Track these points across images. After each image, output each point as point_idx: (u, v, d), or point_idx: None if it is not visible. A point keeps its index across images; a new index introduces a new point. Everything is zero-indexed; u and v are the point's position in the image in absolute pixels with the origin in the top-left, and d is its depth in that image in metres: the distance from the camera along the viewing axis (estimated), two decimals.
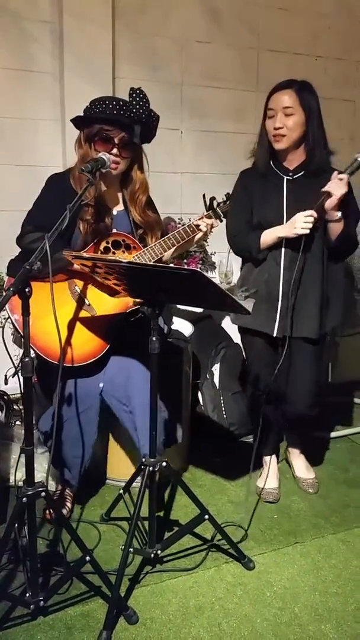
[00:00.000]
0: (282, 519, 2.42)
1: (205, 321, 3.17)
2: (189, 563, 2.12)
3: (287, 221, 2.25)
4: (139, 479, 2.00)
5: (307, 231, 2.15)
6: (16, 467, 2.22)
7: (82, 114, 2.17)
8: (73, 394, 2.15)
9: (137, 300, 2.15)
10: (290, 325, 2.29)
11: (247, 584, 2.03)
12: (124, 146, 2.13)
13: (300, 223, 2.16)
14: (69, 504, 2.35)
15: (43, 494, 1.73)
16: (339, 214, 2.18)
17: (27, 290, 1.59)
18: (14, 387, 2.49)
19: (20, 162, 3.05)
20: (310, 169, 2.26)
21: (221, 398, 2.94)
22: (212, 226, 2.29)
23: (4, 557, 1.97)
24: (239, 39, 3.41)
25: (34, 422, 1.76)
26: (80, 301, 2.16)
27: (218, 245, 3.24)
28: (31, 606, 1.77)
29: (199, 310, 3.09)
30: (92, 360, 2.15)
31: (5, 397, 2.72)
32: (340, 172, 2.18)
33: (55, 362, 2.06)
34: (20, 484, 1.78)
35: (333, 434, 3.18)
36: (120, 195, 2.31)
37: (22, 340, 1.65)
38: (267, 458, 2.64)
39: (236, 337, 3.08)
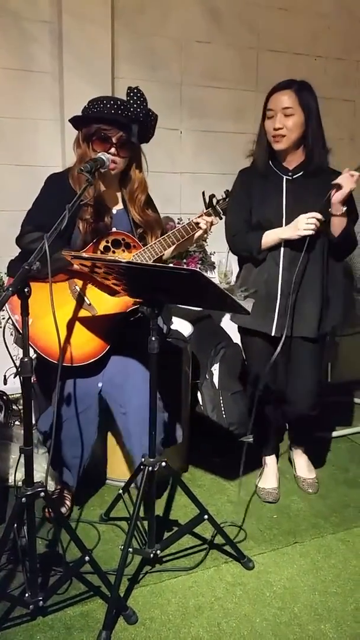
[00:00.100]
0: (281, 518, 2.42)
1: (205, 321, 3.17)
2: (189, 563, 2.12)
3: (286, 221, 2.25)
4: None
5: (311, 232, 2.15)
6: (16, 468, 2.22)
7: (81, 114, 2.17)
8: (72, 393, 2.15)
9: (137, 300, 2.15)
10: (289, 325, 2.29)
11: (247, 584, 2.03)
12: (122, 145, 2.13)
13: (303, 224, 2.16)
14: (68, 503, 2.35)
15: (42, 494, 1.73)
16: (344, 208, 2.19)
17: (26, 290, 1.59)
18: (13, 387, 2.49)
19: (20, 162, 3.05)
20: (310, 169, 2.26)
21: (220, 398, 2.94)
22: (211, 224, 2.29)
23: (3, 557, 1.97)
24: (238, 39, 3.41)
25: (33, 422, 1.76)
26: (81, 300, 2.16)
27: (217, 245, 3.24)
28: (30, 606, 1.77)
29: (199, 310, 3.09)
30: (92, 361, 2.15)
31: (4, 397, 2.72)
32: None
33: (55, 362, 2.06)
34: (20, 484, 1.78)
35: (333, 434, 3.18)
36: (119, 194, 2.31)
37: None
38: (266, 458, 2.64)
39: (236, 337, 3.08)
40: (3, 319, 2.15)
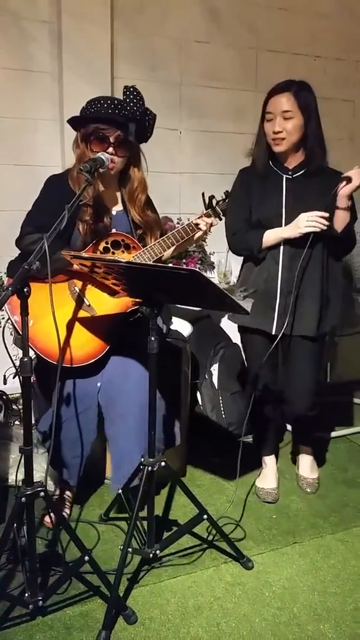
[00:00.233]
0: (280, 518, 2.42)
1: (204, 321, 3.17)
2: (188, 563, 2.12)
3: (285, 219, 2.26)
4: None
5: (313, 229, 2.16)
6: (17, 468, 2.22)
7: (79, 114, 2.17)
8: (72, 394, 2.15)
9: (137, 300, 2.15)
10: (289, 324, 2.29)
11: (246, 584, 2.04)
12: (119, 145, 2.13)
13: (304, 222, 2.17)
14: (67, 511, 2.35)
15: (42, 494, 1.73)
16: (350, 202, 2.19)
17: (25, 290, 1.59)
18: (13, 387, 2.49)
19: (20, 162, 3.04)
20: (310, 169, 2.27)
21: (220, 398, 2.94)
22: (211, 225, 2.29)
23: (3, 557, 1.97)
24: (238, 39, 3.41)
25: (32, 422, 1.76)
26: (80, 301, 2.16)
27: (217, 245, 3.25)
28: (30, 606, 1.77)
29: (198, 310, 3.09)
30: (92, 361, 2.15)
31: (4, 397, 2.72)
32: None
33: (56, 363, 2.06)
34: (20, 483, 1.78)
35: (332, 434, 3.18)
36: (119, 195, 2.31)
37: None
38: (266, 458, 2.64)
39: (235, 337, 3.08)
40: (3, 319, 2.15)
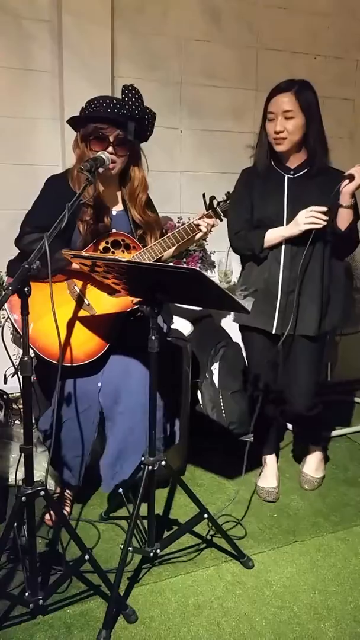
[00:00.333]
0: (281, 517, 2.42)
1: (205, 320, 3.17)
2: (188, 562, 2.12)
3: (287, 219, 2.26)
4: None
5: (312, 225, 2.15)
6: (17, 467, 2.23)
7: (78, 114, 2.17)
8: (72, 393, 2.15)
9: (136, 300, 2.15)
10: (291, 323, 2.29)
11: (246, 583, 2.04)
12: (119, 144, 2.13)
13: (303, 219, 2.17)
14: (68, 509, 2.35)
15: (42, 493, 1.73)
16: (353, 200, 2.19)
17: (26, 289, 1.59)
18: (13, 386, 2.49)
19: (20, 161, 3.04)
20: (312, 168, 2.27)
21: (220, 397, 2.94)
22: (212, 225, 2.29)
23: (3, 556, 1.97)
24: (238, 38, 3.41)
25: (33, 421, 1.76)
26: (80, 301, 2.16)
27: (217, 244, 3.24)
28: (30, 605, 1.77)
29: (199, 309, 3.09)
30: (91, 360, 2.15)
31: (4, 396, 2.72)
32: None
33: (54, 362, 2.06)
34: (20, 483, 1.78)
35: (333, 433, 3.18)
36: (119, 194, 2.31)
37: (21, 339, 1.65)
38: (266, 457, 2.64)
39: (236, 337, 3.08)
40: (3, 317, 2.15)
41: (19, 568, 1.96)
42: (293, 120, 2.19)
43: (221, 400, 2.93)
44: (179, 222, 3.21)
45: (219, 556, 2.16)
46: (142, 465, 1.96)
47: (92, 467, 2.23)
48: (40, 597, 1.77)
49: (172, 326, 2.67)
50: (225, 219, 2.37)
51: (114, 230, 2.22)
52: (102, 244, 2.19)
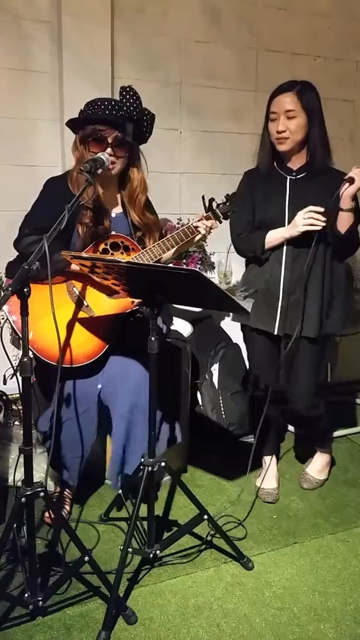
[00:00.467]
0: (281, 519, 2.42)
1: (205, 321, 3.17)
2: (188, 563, 2.12)
3: (288, 220, 2.26)
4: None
5: (311, 227, 2.15)
6: (15, 468, 2.22)
7: (78, 116, 2.17)
8: (72, 394, 2.15)
9: (137, 300, 2.15)
10: (295, 325, 2.28)
11: (246, 584, 2.03)
12: (118, 145, 2.13)
13: (301, 220, 2.16)
14: (67, 507, 2.35)
15: (42, 494, 1.73)
16: (353, 203, 2.19)
17: (25, 290, 1.59)
18: (13, 387, 2.49)
19: (20, 162, 3.04)
20: (313, 169, 2.27)
21: (220, 398, 2.94)
22: (211, 228, 2.29)
23: (3, 557, 1.97)
24: (237, 39, 3.41)
25: (32, 422, 1.76)
26: (79, 302, 2.16)
27: (217, 245, 3.25)
28: (30, 606, 1.77)
29: (198, 310, 3.09)
30: (91, 361, 2.15)
31: (4, 397, 2.72)
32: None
33: (53, 364, 2.06)
34: (19, 484, 1.78)
35: (333, 434, 3.17)
36: (118, 197, 2.31)
37: (20, 340, 1.65)
38: (266, 458, 2.64)
39: (236, 337, 3.08)
40: (3, 319, 2.15)
41: (19, 569, 1.96)
42: (295, 120, 2.19)
43: (221, 401, 2.93)
44: (178, 224, 3.21)
45: (219, 557, 2.16)
46: (141, 466, 1.96)
47: (92, 468, 2.24)
48: (40, 599, 1.77)
49: (172, 327, 2.67)
50: (224, 221, 2.37)
51: (113, 232, 2.22)
52: (102, 246, 2.19)
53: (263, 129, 2.31)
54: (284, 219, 2.27)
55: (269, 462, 2.63)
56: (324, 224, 2.15)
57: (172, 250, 2.27)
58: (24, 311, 1.61)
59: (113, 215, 2.27)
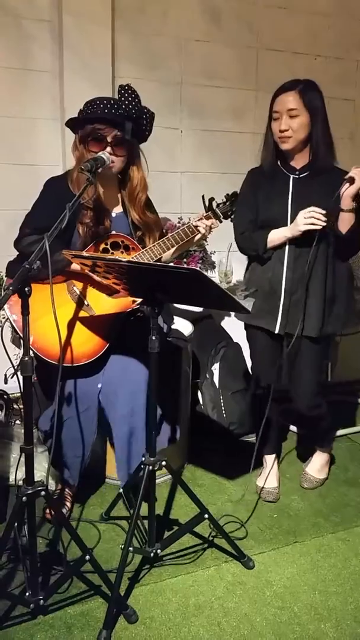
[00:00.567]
0: (281, 518, 2.42)
1: (206, 320, 3.17)
2: (189, 562, 2.12)
3: (291, 219, 2.25)
4: None
5: (312, 226, 2.15)
6: (17, 467, 2.23)
7: (77, 116, 2.17)
8: (73, 393, 2.15)
9: (137, 300, 2.15)
10: (298, 324, 2.28)
11: (247, 583, 2.04)
12: (117, 144, 2.13)
13: (302, 219, 2.16)
14: (68, 504, 2.35)
15: (43, 493, 1.73)
16: (354, 204, 2.19)
17: (26, 289, 1.59)
18: (13, 386, 2.50)
19: (20, 162, 3.04)
20: (316, 168, 2.26)
21: (221, 397, 2.94)
22: (211, 227, 2.29)
23: (4, 556, 1.97)
24: (238, 38, 3.41)
25: (33, 421, 1.76)
26: (79, 302, 2.16)
27: (218, 244, 3.24)
28: (31, 605, 1.77)
29: (199, 309, 3.09)
30: (91, 360, 2.15)
31: (5, 396, 2.72)
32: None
33: (54, 362, 2.06)
34: (20, 483, 1.78)
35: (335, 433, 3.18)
36: (119, 196, 2.31)
37: (21, 340, 1.65)
38: (267, 457, 2.64)
39: (236, 337, 3.08)
40: (4, 318, 2.15)
41: (20, 568, 1.96)
42: (297, 119, 2.19)
43: (221, 401, 2.94)
44: (179, 223, 3.21)
45: (220, 556, 2.16)
46: (142, 466, 1.96)
47: (93, 467, 2.24)
48: (41, 597, 1.77)
49: (173, 326, 2.67)
50: (225, 220, 2.37)
51: (113, 232, 2.22)
52: (102, 246, 2.19)
53: (266, 127, 2.31)
54: (286, 217, 2.27)
55: (270, 461, 2.63)
56: (324, 224, 2.15)
57: (172, 250, 2.28)
58: (25, 310, 1.61)
59: (113, 214, 2.28)
